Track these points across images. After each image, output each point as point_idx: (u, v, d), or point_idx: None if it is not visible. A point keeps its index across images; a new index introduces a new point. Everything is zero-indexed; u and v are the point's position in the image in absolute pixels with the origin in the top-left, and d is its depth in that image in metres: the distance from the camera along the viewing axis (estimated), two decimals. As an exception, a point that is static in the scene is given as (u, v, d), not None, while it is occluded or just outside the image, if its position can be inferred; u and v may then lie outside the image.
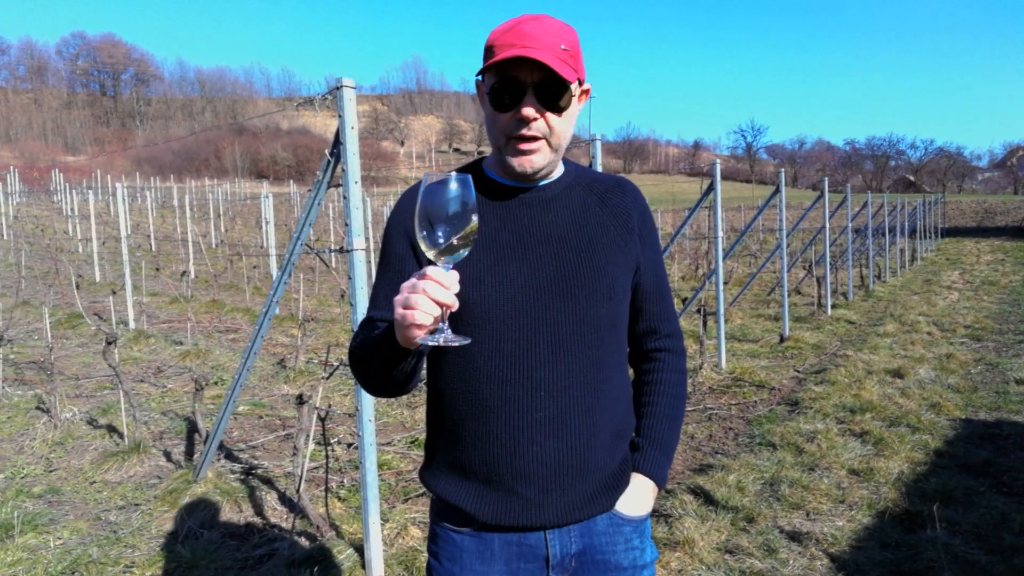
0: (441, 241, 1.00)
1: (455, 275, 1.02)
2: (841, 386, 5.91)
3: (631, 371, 1.47)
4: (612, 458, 1.32)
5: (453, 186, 1.01)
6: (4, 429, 5.10)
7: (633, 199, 1.39)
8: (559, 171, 1.36)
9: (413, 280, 1.01)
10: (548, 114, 1.21)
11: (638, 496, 1.35)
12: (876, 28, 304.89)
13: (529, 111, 1.19)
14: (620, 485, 1.34)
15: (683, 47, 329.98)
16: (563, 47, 1.19)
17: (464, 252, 1.03)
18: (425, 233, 1.01)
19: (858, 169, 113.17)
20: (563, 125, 1.24)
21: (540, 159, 1.24)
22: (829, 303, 10.01)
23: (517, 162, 1.24)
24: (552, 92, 1.19)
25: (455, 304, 1.01)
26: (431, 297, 0.99)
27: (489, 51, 1.21)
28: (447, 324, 1.03)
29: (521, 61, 1.17)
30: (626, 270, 1.33)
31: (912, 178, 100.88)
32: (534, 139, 1.22)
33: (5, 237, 22.21)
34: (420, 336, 1.02)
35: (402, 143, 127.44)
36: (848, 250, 12.03)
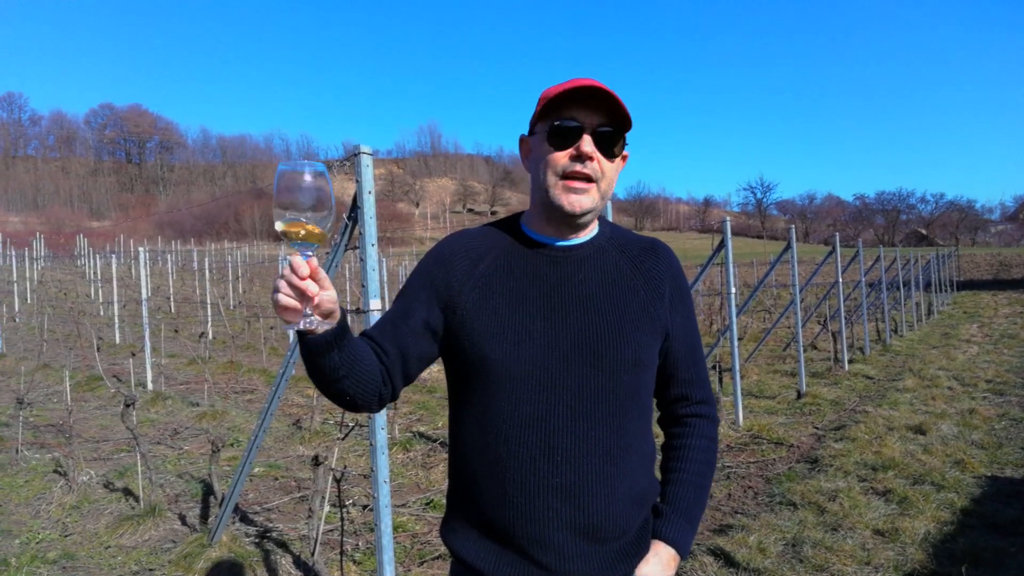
0: (307, 227, 1.06)
1: (313, 263, 1.07)
2: (862, 443, 5.81)
3: (661, 433, 1.46)
4: (631, 525, 1.30)
5: (308, 177, 1.05)
6: (21, 493, 5.12)
7: (667, 264, 1.38)
8: (594, 230, 1.37)
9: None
10: (602, 158, 1.26)
11: (659, 564, 1.32)
12: (883, 83, 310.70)
13: (588, 148, 1.24)
14: (640, 552, 1.31)
15: (691, 105, 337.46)
16: (621, 100, 1.25)
17: (317, 245, 1.09)
18: (288, 219, 1.06)
19: (869, 223, 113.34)
20: (613, 173, 1.30)
21: (588, 201, 1.27)
22: (846, 358, 9.90)
23: (567, 201, 1.26)
24: (609, 137, 1.26)
25: (312, 291, 1.06)
26: (288, 281, 1.06)
27: (544, 101, 1.27)
28: (312, 312, 1.09)
29: (583, 102, 1.24)
30: (653, 337, 1.32)
31: (924, 231, 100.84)
32: (587, 179, 1.26)
33: (29, 301, 22.66)
34: (291, 320, 1.09)
35: (417, 204, 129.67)
36: (863, 304, 11.97)
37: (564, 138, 1.25)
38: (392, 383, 1.31)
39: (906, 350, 12.04)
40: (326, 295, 1.10)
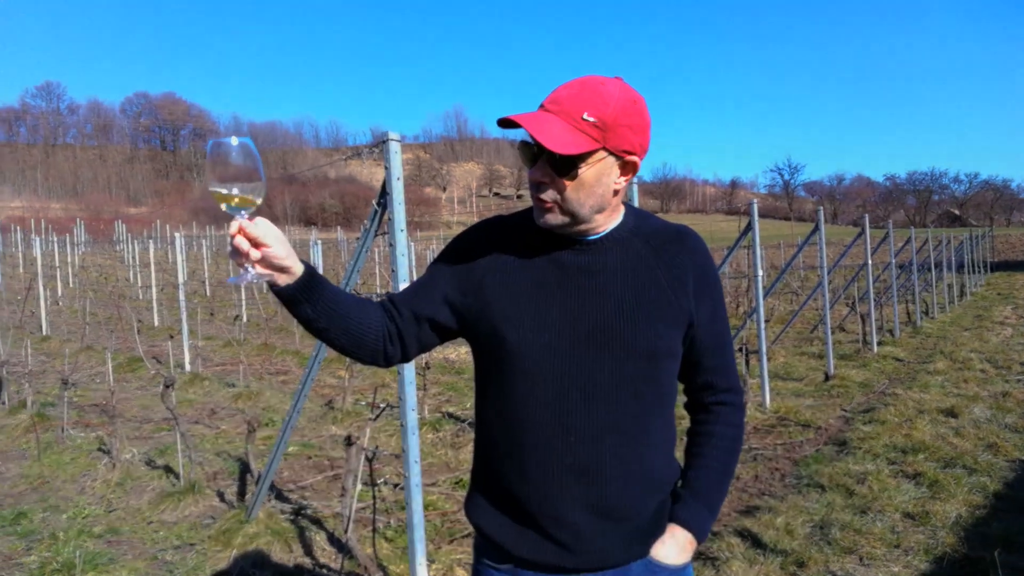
0: (236, 193, 1.14)
1: (244, 224, 1.13)
2: (891, 425, 5.75)
3: (688, 417, 1.47)
4: (646, 507, 1.32)
5: (235, 146, 1.12)
6: (67, 470, 5.33)
7: (691, 253, 1.34)
8: (615, 221, 1.33)
9: None
10: (559, 179, 1.22)
11: (675, 546, 1.34)
12: (913, 61, 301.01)
13: (536, 175, 1.23)
14: (656, 533, 1.34)
15: (718, 86, 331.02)
16: (586, 116, 1.18)
17: (252, 209, 1.16)
18: (219, 188, 1.13)
19: (900, 204, 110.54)
20: (577, 193, 1.22)
21: (553, 219, 1.26)
22: (875, 340, 9.77)
23: (539, 219, 1.27)
24: (562, 160, 1.20)
25: (242, 247, 1.13)
26: (232, 240, 1.13)
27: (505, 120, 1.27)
28: (252, 268, 1.16)
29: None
30: (675, 326, 1.31)
31: (957, 212, 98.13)
32: (545, 201, 1.25)
33: (71, 285, 23.30)
34: (236, 273, 1.18)
35: (444, 189, 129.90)
36: (893, 286, 11.74)
37: (526, 156, 1.25)
38: (403, 344, 1.38)
39: (937, 332, 11.81)
40: (270, 251, 1.15)
